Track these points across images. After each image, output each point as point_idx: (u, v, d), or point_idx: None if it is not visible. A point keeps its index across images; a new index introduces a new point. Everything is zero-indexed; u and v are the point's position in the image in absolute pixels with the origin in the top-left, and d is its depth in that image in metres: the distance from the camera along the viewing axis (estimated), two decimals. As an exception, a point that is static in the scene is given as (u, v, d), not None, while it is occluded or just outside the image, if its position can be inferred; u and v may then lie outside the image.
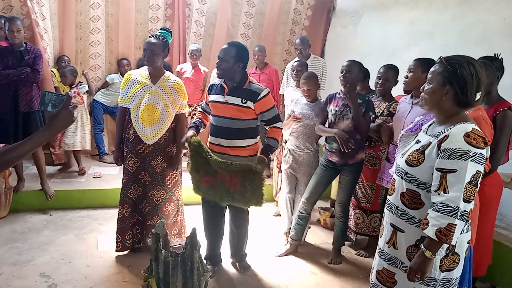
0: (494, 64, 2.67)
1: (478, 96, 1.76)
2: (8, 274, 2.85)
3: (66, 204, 4.07)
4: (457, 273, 1.86)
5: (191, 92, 4.99)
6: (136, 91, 3.01)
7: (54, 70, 4.98)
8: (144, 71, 3.09)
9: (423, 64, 2.81)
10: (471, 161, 1.65)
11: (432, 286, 1.82)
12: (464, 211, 1.66)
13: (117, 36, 5.46)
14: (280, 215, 3.92)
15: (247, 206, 2.95)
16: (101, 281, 2.85)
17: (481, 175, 1.70)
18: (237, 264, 3.21)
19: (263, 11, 6.06)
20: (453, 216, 1.64)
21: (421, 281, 1.81)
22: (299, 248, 3.53)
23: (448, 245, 1.76)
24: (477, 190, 1.71)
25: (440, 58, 1.84)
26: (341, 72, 3.15)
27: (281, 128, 2.98)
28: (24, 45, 3.74)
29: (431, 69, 1.87)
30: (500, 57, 2.73)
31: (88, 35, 5.29)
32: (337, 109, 3.19)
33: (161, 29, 3.15)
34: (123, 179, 3.17)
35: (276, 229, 3.90)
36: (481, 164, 1.68)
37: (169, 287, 2.32)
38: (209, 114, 3.06)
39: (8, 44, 3.68)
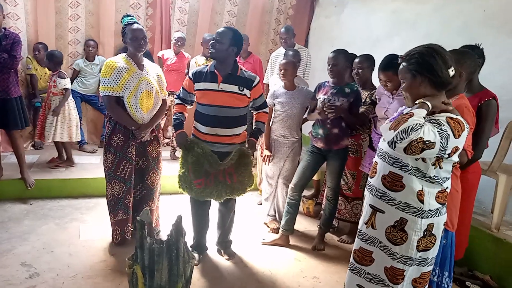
0: (475, 53, 2.72)
1: (451, 72, 1.81)
2: (-13, 264, 2.80)
3: (46, 194, 4.01)
4: (432, 253, 1.93)
5: (174, 79, 4.94)
6: (128, 79, 2.93)
7: (31, 56, 4.86)
8: (125, 57, 3.01)
9: (392, 70, 2.84)
10: (437, 130, 1.71)
11: (408, 265, 1.89)
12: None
13: (97, 23, 5.36)
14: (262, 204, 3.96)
15: (244, 192, 3.00)
16: (85, 269, 2.83)
17: (428, 150, 1.71)
18: (222, 251, 3.22)
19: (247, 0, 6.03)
20: None
21: (398, 259, 1.87)
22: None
23: (426, 226, 1.82)
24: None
25: (400, 56, 1.91)
26: (328, 65, 3.18)
27: (267, 113, 3.09)
28: (3, 30, 3.63)
29: (399, 69, 1.93)
30: (481, 46, 2.77)
31: (67, 22, 5.17)
32: (325, 97, 3.23)
33: (128, 15, 3.08)
34: (123, 167, 3.06)
35: (260, 217, 3.92)
36: (437, 138, 1.70)
37: (155, 274, 2.32)
38: (189, 104, 3.01)
39: (-14, 29, 3.58)
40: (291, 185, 3.41)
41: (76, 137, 4.58)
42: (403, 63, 1.88)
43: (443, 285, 2.39)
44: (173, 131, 5.27)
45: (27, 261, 2.86)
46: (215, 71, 2.84)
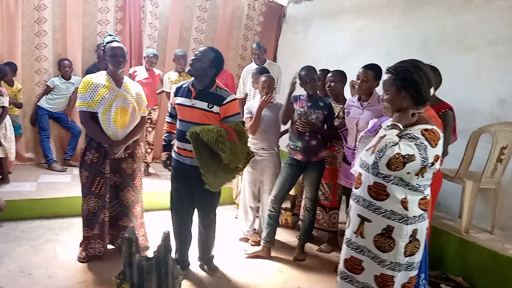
0: None
1: (432, 91, 1.98)
2: (-40, 291, 2.66)
3: (17, 215, 3.83)
4: (418, 257, 2.05)
5: (146, 95, 4.91)
6: (103, 95, 2.96)
7: None
8: (105, 75, 3.06)
9: (374, 72, 3.13)
10: (414, 144, 1.85)
11: (397, 271, 2.00)
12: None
13: (64, 39, 5.25)
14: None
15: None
16: (66, 291, 2.76)
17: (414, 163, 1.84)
18: (205, 266, 3.23)
19: (215, 16, 6.14)
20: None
21: (387, 266, 1.98)
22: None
23: (411, 232, 1.95)
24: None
25: (388, 69, 2.04)
26: (305, 82, 3.31)
27: None
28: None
29: (384, 79, 2.07)
30: (432, 64, 2.97)
31: (33, 38, 5.05)
32: (302, 110, 3.35)
33: (110, 34, 3.17)
34: (98, 183, 3.05)
35: (238, 231, 3.95)
36: (415, 150, 1.83)
37: (144, 291, 2.31)
38: (175, 119, 3.04)
39: None
40: (270, 197, 3.48)
41: (12, 156, 4.46)
42: (390, 76, 2.01)
43: (420, 287, 2.54)
44: (146, 147, 5.29)
45: (4, 285, 2.73)
46: (190, 87, 2.90)
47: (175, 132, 3.06)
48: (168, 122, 3.14)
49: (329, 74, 3.64)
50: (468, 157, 3.21)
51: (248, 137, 2.95)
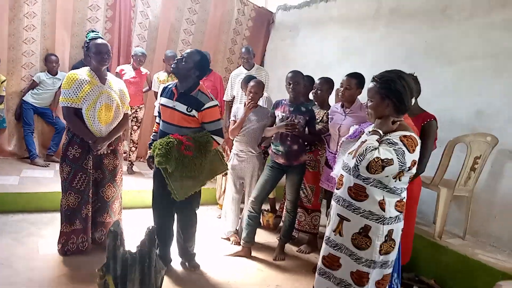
0: None
1: (413, 101, 2.10)
2: None
3: (-1, 208, 3.83)
4: (392, 256, 2.17)
5: (132, 94, 4.89)
6: (87, 91, 2.98)
7: None
8: (88, 71, 3.07)
9: (357, 80, 3.23)
10: (393, 149, 1.96)
11: (372, 268, 2.11)
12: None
13: (53, 35, 5.25)
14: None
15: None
16: (48, 283, 2.77)
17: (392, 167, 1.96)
18: (186, 263, 3.28)
19: (205, 18, 6.20)
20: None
21: (363, 263, 2.08)
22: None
23: (387, 232, 2.06)
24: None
25: (373, 77, 2.16)
26: (289, 84, 3.40)
27: (219, 143, 3.05)
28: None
29: (369, 87, 2.19)
30: (414, 74, 3.09)
31: (22, 32, 5.03)
32: (283, 114, 3.43)
33: (93, 31, 3.20)
34: (79, 178, 3.08)
35: (220, 230, 4.01)
36: (393, 155, 1.95)
37: (127, 284, 2.35)
38: None
39: None
40: (251, 198, 3.55)
41: None
42: (375, 84, 2.12)
43: (393, 285, 2.63)
44: (130, 146, 5.30)
45: (-16, 277, 2.74)
46: (173, 88, 2.95)
47: None
48: (157, 122, 3.19)
49: (317, 81, 3.74)
50: (443, 166, 3.35)
51: (211, 147, 2.98)
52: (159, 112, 3.14)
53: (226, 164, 3.23)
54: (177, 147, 2.81)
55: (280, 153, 3.43)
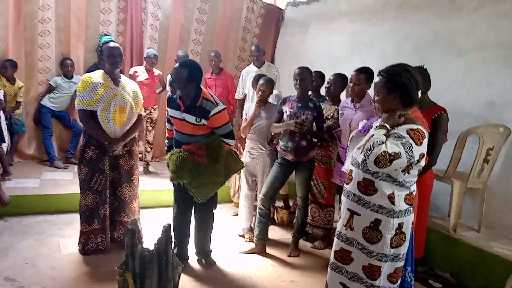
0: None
1: (419, 94, 2.12)
2: (-31, 280, 2.78)
3: (21, 210, 3.95)
4: (403, 249, 2.19)
5: (145, 95, 5.00)
6: (102, 94, 3.07)
7: None
8: (102, 74, 3.15)
9: (366, 75, 3.25)
10: (400, 142, 1.98)
11: (384, 261, 2.13)
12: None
13: (67, 39, 5.37)
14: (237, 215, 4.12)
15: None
16: (70, 281, 2.87)
17: (399, 161, 1.97)
18: (203, 260, 3.36)
19: (214, 18, 6.26)
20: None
21: (375, 257, 2.11)
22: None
23: (397, 225, 2.08)
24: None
25: (379, 71, 2.18)
26: (296, 80, 3.44)
27: (230, 145, 3.12)
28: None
29: (375, 81, 2.21)
30: (424, 67, 3.10)
31: (37, 37, 5.17)
32: (291, 110, 3.46)
33: (106, 34, 3.26)
34: (97, 179, 3.18)
35: (236, 228, 4.08)
36: (401, 149, 1.97)
37: (145, 281, 2.43)
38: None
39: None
40: (260, 195, 3.59)
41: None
42: (381, 78, 2.14)
43: (406, 279, 2.65)
44: (145, 146, 5.41)
45: (10, 276, 2.85)
46: (179, 100, 3.00)
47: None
48: (168, 129, 3.28)
49: (331, 77, 3.74)
50: (456, 158, 3.34)
51: (224, 151, 3.04)
52: (168, 119, 3.19)
53: (242, 162, 3.28)
54: (189, 157, 2.90)
55: (288, 149, 3.46)
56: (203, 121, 2.94)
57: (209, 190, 3.08)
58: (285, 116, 3.50)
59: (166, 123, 3.30)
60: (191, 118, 2.94)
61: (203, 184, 3.02)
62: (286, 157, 3.51)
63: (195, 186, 3.00)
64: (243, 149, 3.97)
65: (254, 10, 6.51)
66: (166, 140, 3.33)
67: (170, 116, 3.09)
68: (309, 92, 3.76)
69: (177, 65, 2.98)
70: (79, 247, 3.28)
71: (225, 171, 3.12)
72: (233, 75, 5.92)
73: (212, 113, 2.92)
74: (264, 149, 3.75)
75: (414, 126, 2.06)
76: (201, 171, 2.94)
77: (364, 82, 3.26)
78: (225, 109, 3.03)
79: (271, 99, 3.90)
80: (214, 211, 3.36)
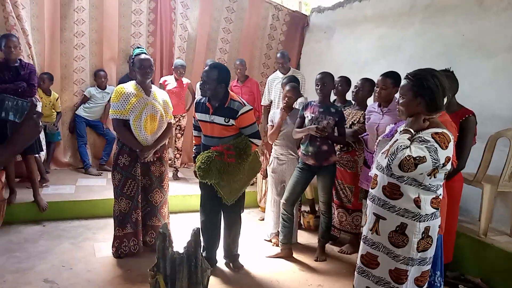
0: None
1: (445, 100, 2.11)
2: (12, 281, 2.94)
3: (58, 215, 4.16)
4: (430, 253, 2.18)
5: (174, 103, 5.15)
6: (134, 103, 3.21)
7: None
8: (134, 84, 3.30)
9: (392, 79, 3.26)
10: (425, 146, 1.99)
11: (410, 265, 2.14)
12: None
13: (100, 51, 5.61)
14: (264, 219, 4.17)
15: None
16: (104, 284, 3.00)
17: (426, 165, 1.98)
18: (230, 264, 3.42)
19: (240, 26, 6.37)
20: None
21: (401, 261, 2.11)
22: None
23: (424, 229, 2.08)
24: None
25: (407, 75, 2.19)
26: (317, 85, 3.48)
27: (257, 145, 3.20)
28: (19, 61, 3.88)
29: (402, 84, 2.23)
30: (451, 70, 3.06)
31: (72, 50, 5.42)
32: (313, 115, 3.49)
33: (139, 47, 3.42)
34: (130, 185, 3.31)
35: (262, 232, 4.13)
36: (426, 153, 1.97)
37: (176, 283, 2.52)
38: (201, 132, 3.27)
39: (4, 59, 3.81)
40: (282, 200, 3.63)
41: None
42: (408, 81, 2.16)
43: (436, 284, 2.64)
44: (175, 153, 5.55)
45: (49, 278, 3.01)
46: (207, 103, 3.11)
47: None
48: (195, 135, 3.39)
49: (359, 81, 3.76)
50: (485, 161, 3.27)
51: (251, 151, 3.13)
52: (196, 126, 3.30)
53: (261, 162, 3.38)
54: (218, 157, 3.00)
55: (309, 154, 3.48)
56: (232, 121, 3.03)
57: (236, 191, 3.18)
58: (306, 120, 3.53)
59: (193, 130, 3.40)
60: (220, 119, 3.04)
61: (232, 184, 3.11)
62: (307, 162, 3.54)
63: (224, 186, 3.09)
64: (269, 155, 4.03)
65: (279, 17, 6.59)
66: (194, 148, 3.43)
67: (199, 120, 3.19)
68: (332, 97, 3.77)
69: (207, 67, 3.10)
70: (112, 250, 3.42)
71: (250, 170, 3.22)
72: (259, 82, 6.00)
73: (240, 112, 3.02)
74: (294, 154, 3.79)
75: (439, 130, 2.07)
76: (230, 171, 3.03)
77: (391, 87, 3.26)
78: (252, 110, 3.13)
79: (297, 105, 3.95)
80: (241, 214, 3.43)
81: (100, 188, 4.78)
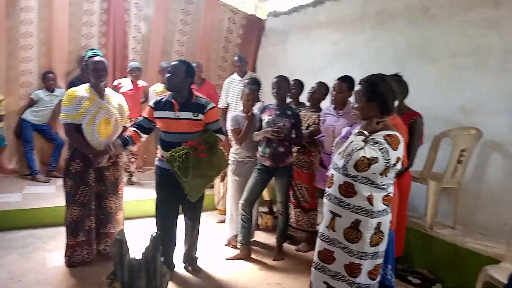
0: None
1: (396, 103, 2.24)
2: (-46, 297, 2.76)
3: (4, 225, 3.92)
4: (382, 247, 2.30)
5: (130, 106, 5.02)
6: (87, 107, 3.11)
7: None
8: (88, 87, 3.20)
9: (347, 83, 3.42)
10: (377, 148, 2.11)
11: (364, 259, 2.24)
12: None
13: (49, 52, 5.37)
14: (224, 222, 4.17)
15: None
16: (57, 294, 2.89)
17: (377, 165, 2.09)
18: (189, 268, 3.40)
19: (196, 29, 6.34)
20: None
21: (355, 256, 2.21)
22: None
23: (376, 225, 2.19)
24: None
25: (360, 80, 2.32)
26: (273, 88, 3.55)
27: (222, 141, 3.23)
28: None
29: (356, 90, 2.36)
30: (400, 74, 3.25)
31: (18, 52, 5.15)
32: (270, 118, 3.55)
33: (92, 49, 3.33)
34: (82, 192, 3.19)
35: (221, 235, 4.13)
36: (378, 153, 2.09)
37: (134, 289, 2.47)
38: (144, 132, 3.19)
39: None
40: (241, 201, 3.66)
41: None
42: (361, 87, 2.27)
43: (387, 276, 2.75)
44: (130, 157, 5.42)
45: (-5, 292, 2.86)
46: (172, 100, 3.08)
47: (135, 139, 3.18)
48: (133, 130, 3.19)
49: (315, 84, 3.88)
50: (430, 159, 3.49)
51: (218, 145, 3.17)
52: (139, 124, 3.18)
53: (227, 160, 3.40)
54: (194, 154, 2.97)
55: (266, 155, 3.53)
56: (201, 116, 3.05)
57: (201, 186, 3.14)
58: (263, 123, 3.58)
59: (133, 127, 3.21)
60: (188, 114, 3.04)
61: (196, 180, 3.05)
62: (264, 163, 3.59)
63: (188, 182, 3.02)
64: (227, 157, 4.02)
65: (235, 20, 6.63)
66: (126, 136, 3.18)
67: (160, 118, 3.10)
68: (288, 100, 3.86)
69: (175, 61, 3.10)
70: (65, 260, 3.28)
71: (216, 166, 3.21)
72: (216, 84, 6.00)
73: (208, 107, 3.08)
74: (257, 156, 3.81)
75: (391, 132, 2.19)
76: (200, 165, 3.03)
77: (346, 90, 3.41)
78: (216, 107, 3.19)
79: (256, 109, 3.97)
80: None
81: (49, 195, 4.56)
